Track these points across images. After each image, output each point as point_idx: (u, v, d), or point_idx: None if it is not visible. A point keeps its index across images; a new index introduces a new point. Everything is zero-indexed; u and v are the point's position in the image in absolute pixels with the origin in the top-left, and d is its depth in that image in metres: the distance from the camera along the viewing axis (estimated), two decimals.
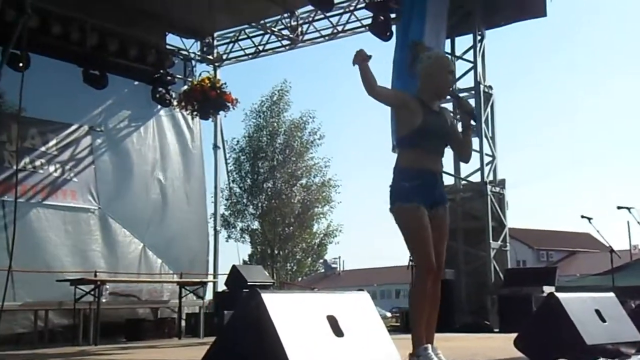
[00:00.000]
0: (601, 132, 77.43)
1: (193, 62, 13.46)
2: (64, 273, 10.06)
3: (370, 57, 4.09)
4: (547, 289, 9.90)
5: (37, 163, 10.85)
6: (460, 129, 4.39)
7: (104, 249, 11.42)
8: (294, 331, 2.97)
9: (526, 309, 9.41)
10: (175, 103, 11.72)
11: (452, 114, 4.47)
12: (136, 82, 12.17)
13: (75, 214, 11.20)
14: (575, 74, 78.89)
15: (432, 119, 4.17)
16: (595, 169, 78.69)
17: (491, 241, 11.59)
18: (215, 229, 13.80)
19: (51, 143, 11.09)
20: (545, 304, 4.69)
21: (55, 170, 11.07)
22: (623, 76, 74.07)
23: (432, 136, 4.18)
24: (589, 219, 9.61)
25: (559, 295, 4.57)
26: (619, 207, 9.35)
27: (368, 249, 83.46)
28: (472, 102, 11.55)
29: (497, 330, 10.44)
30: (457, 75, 11.85)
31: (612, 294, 5.07)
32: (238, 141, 28.85)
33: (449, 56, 11.37)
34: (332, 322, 3.16)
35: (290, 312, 3.07)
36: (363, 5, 12.43)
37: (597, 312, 4.58)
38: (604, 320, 4.56)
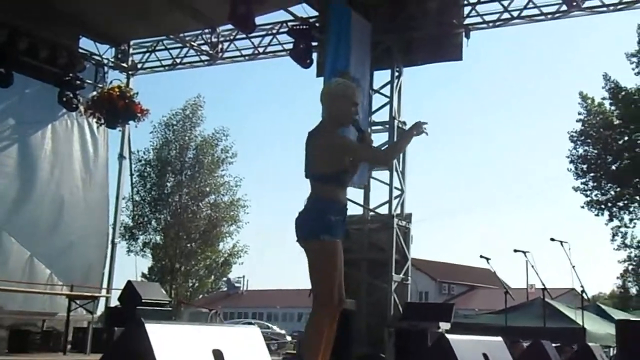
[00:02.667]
0: (506, 175, 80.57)
1: (105, 68, 13.11)
2: None
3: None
4: (443, 325, 10.06)
5: None
6: None
7: None
8: None
9: (421, 345, 9.51)
10: (82, 108, 11.33)
11: None
12: (40, 84, 11.62)
13: None
14: (487, 117, 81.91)
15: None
16: (497, 210, 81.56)
17: (394, 274, 11.71)
18: (112, 241, 13.31)
19: None
20: (436, 345, 4.75)
21: None
22: (534, 121, 77.49)
23: (350, 176, 4.35)
24: (487, 259, 9.85)
25: (450, 337, 4.63)
26: (515, 251, 9.62)
27: (273, 270, 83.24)
28: (384, 135, 11.73)
29: None
30: (373, 109, 12.04)
31: (500, 339, 5.18)
32: (144, 152, 28.26)
33: (365, 88, 11.50)
34: (218, 356, 3.08)
35: (174, 344, 2.97)
36: (285, 29, 12.45)
37: (485, 356, 4.66)
38: None
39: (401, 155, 12.31)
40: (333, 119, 4.29)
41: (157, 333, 2.91)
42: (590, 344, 8.03)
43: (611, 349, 14.01)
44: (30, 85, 11.57)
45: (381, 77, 12.34)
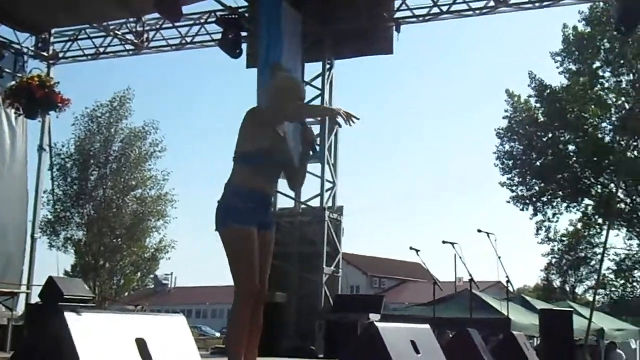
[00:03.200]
0: (436, 171, 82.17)
1: (25, 57, 12.60)
2: None
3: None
4: (374, 317, 10.11)
5: None
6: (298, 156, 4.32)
7: None
8: (97, 353, 2.74)
9: (352, 336, 9.53)
10: (0, 99, 10.86)
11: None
12: None
13: None
14: (420, 112, 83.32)
15: (278, 144, 4.11)
16: (426, 204, 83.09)
17: (325, 266, 11.71)
18: (32, 236, 12.82)
19: None
20: (365, 333, 4.73)
21: None
22: (464, 116, 79.18)
23: (274, 162, 4.11)
24: (417, 250, 9.93)
25: (378, 324, 4.62)
26: (444, 242, 9.74)
27: (201, 266, 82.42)
28: (317, 128, 11.66)
29: (321, 356, 10.49)
30: (306, 101, 11.94)
31: (427, 327, 5.21)
32: (64, 145, 27.38)
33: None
34: (141, 345, 2.96)
35: (95, 333, 2.84)
36: (214, 19, 12.24)
37: (413, 343, 4.67)
38: (418, 352, 4.66)
39: (333, 148, 12.32)
40: (274, 114, 4.18)
41: (77, 322, 2.77)
42: (514, 332, 8.20)
43: (535, 339, 14.43)
44: None
45: (312, 69, 12.31)
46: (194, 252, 77.79)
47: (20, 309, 11.59)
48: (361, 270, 49.13)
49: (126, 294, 32.80)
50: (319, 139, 4.46)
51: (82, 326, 2.77)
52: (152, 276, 36.14)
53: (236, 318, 3.98)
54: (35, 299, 11.10)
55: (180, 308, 43.15)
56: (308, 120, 4.51)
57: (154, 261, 30.98)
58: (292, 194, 11.90)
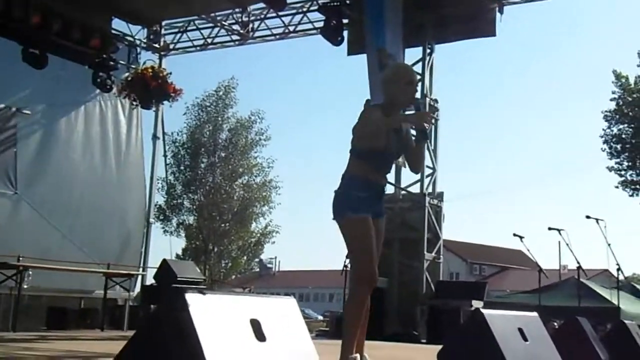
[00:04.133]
0: (540, 156, 79.54)
1: (138, 49, 13.16)
2: None
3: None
4: (476, 304, 10.05)
5: None
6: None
7: (19, 235, 10.78)
8: (214, 333, 2.89)
9: (454, 322, 9.52)
10: (116, 90, 11.42)
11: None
12: (75, 66, 11.71)
13: None
14: (523, 96, 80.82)
15: (392, 141, 4.20)
16: (531, 190, 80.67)
17: (425, 252, 11.70)
18: (148, 221, 13.46)
19: None
20: (471, 320, 4.71)
21: None
22: (571, 103, 76.27)
23: (388, 159, 4.28)
24: (521, 237, 9.77)
25: (485, 311, 4.59)
26: (549, 229, 9.51)
27: (304, 251, 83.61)
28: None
29: (424, 341, 10.53)
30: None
31: (535, 314, 5.12)
32: (178, 134, 28.44)
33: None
34: (255, 326, 3.09)
35: (212, 314, 2.98)
36: (316, 7, 12.39)
37: (520, 331, 4.62)
38: (526, 340, 4.61)
39: (432, 133, 12.25)
40: (388, 104, 4.29)
41: (196, 302, 2.91)
42: (626, 321, 7.92)
43: None
44: (66, 67, 11.67)
45: (411, 54, 12.27)
46: (297, 237, 79.09)
47: (136, 290, 12.24)
48: (460, 257, 48.45)
49: (233, 276, 33.72)
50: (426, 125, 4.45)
51: (200, 307, 2.90)
52: (257, 260, 36.99)
53: (354, 301, 4.13)
54: (149, 281, 11.66)
55: (284, 291, 44.03)
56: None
57: (259, 245, 31.70)
58: (393, 180, 11.94)
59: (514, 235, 9.85)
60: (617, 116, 26.80)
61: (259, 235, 30.88)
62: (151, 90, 10.50)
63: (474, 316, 4.65)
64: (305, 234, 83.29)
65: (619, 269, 9.83)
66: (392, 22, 11.18)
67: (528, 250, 9.84)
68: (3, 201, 10.83)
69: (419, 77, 12.13)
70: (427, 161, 12.05)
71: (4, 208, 10.83)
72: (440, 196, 12.28)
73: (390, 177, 11.85)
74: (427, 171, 12.11)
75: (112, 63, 11.81)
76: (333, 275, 13.42)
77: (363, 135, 4.18)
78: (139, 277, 12.38)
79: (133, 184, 13.01)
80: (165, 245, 35.93)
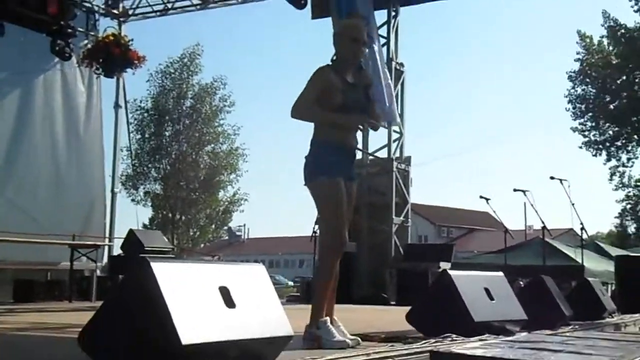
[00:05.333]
0: (506, 117, 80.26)
1: (96, 15, 12.80)
2: None
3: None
4: (444, 265, 10.19)
5: None
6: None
7: None
8: (183, 301, 2.88)
9: (423, 284, 9.63)
10: (75, 58, 11.14)
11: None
12: (34, 34, 11.33)
13: None
14: (488, 57, 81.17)
15: (349, 95, 4.14)
16: (497, 152, 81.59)
17: (394, 217, 11.78)
18: (112, 191, 13.28)
19: None
20: (438, 281, 4.79)
21: None
22: (533, 60, 76.77)
23: (350, 113, 4.17)
24: (487, 199, 9.88)
25: (452, 272, 4.67)
26: (515, 190, 9.62)
27: (273, 218, 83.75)
28: None
29: (393, 303, 10.67)
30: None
31: (501, 274, 5.22)
32: (141, 101, 28.03)
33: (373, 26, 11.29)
34: (224, 293, 3.09)
35: (180, 282, 2.97)
36: None
37: (487, 290, 4.70)
38: (492, 299, 4.69)
39: (399, 97, 12.25)
40: (340, 60, 4.25)
41: (163, 271, 2.90)
42: (589, 278, 8.11)
43: (609, 285, 14.20)
44: (25, 35, 11.31)
45: (378, 17, 12.14)
46: (266, 204, 79.09)
47: (103, 261, 12.12)
48: (429, 220, 49.03)
49: (201, 245, 33.70)
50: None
51: (167, 275, 2.88)
52: (225, 228, 36.98)
53: (324, 266, 4.15)
54: (117, 251, 11.57)
55: (253, 258, 44.12)
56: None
57: (228, 213, 31.70)
58: (360, 145, 11.91)
59: (481, 197, 9.96)
60: (581, 77, 27.13)
61: (227, 203, 30.83)
62: (114, 58, 10.25)
63: (441, 277, 4.73)
64: (275, 201, 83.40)
65: (582, 228, 9.98)
66: None
67: (494, 211, 9.96)
68: None
69: (384, 40, 12.12)
70: (394, 126, 12.07)
71: None
72: (407, 160, 12.33)
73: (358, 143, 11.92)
74: (395, 135, 12.13)
75: (70, 30, 11.44)
76: (303, 242, 13.46)
77: (319, 98, 4.11)
78: (106, 248, 12.26)
79: (95, 153, 12.77)
80: (132, 214, 35.69)
